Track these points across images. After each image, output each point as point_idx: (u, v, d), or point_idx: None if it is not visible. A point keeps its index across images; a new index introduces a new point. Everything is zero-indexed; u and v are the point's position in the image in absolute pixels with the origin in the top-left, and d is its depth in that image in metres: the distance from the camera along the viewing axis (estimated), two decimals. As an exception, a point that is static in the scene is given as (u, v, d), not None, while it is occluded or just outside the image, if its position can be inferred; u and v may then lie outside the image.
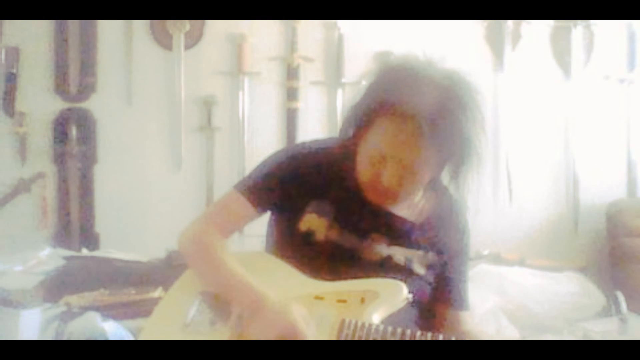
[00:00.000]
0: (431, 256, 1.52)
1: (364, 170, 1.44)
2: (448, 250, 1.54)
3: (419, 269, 1.50)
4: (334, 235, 1.47)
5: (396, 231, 1.50)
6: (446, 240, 1.54)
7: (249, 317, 1.39)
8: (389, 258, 1.48)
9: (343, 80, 3.25)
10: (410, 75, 1.39)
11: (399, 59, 1.44)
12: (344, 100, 3.23)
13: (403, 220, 1.51)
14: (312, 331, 1.34)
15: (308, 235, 1.48)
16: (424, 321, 1.50)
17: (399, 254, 1.49)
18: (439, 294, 1.54)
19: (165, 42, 3.23)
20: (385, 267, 1.47)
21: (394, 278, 1.42)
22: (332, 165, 1.50)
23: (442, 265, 1.54)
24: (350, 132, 1.48)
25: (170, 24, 3.20)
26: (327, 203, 1.49)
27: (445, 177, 1.49)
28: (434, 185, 1.53)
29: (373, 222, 1.49)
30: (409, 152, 1.38)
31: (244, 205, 1.53)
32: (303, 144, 1.65)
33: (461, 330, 1.53)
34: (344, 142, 1.49)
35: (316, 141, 1.62)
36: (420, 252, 1.51)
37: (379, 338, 1.32)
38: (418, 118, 1.33)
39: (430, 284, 1.52)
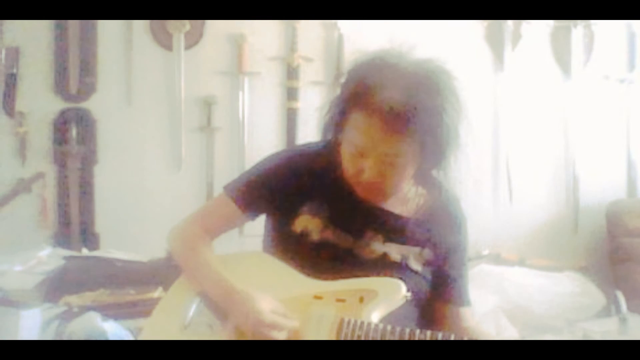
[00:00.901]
0: (427, 252, 1.51)
1: (347, 167, 1.45)
2: (444, 246, 1.54)
3: (416, 266, 1.49)
4: (329, 235, 1.48)
5: (391, 228, 1.50)
6: (441, 236, 1.54)
7: (223, 305, 1.42)
8: (385, 255, 1.48)
9: (343, 80, 3.24)
10: (380, 67, 1.40)
11: (370, 54, 1.44)
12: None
13: (397, 217, 1.51)
14: (282, 320, 1.36)
15: (303, 236, 1.48)
16: (424, 318, 1.51)
17: (395, 251, 1.49)
18: (437, 290, 1.54)
19: (165, 42, 3.23)
20: (381, 265, 1.47)
21: (391, 275, 1.42)
22: (322, 165, 1.51)
23: (439, 261, 1.53)
24: (330, 132, 1.49)
25: (170, 24, 3.20)
26: (320, 203, 1.49)
27: (432, 169, 1.48)
28: (428, 181, 1.53)
29: (367, 220, 1.49)
30: (384, 145, 1.37)
31: (232, 210, 1.55)
32: (293, 147, 1.67)
33: (461, 327, 1.52)
34: (330, 142, 1.49)
35: (307, 143, 1.63)
36: (416, 249, 1.50)
37: (378, 337, 1.32)
38: (387, 109, 1.33)
39: (428, 280, 1.52)
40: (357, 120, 1.39)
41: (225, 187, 1.59)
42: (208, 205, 1.68)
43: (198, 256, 1.53)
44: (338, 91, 1.49)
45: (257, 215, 1.59)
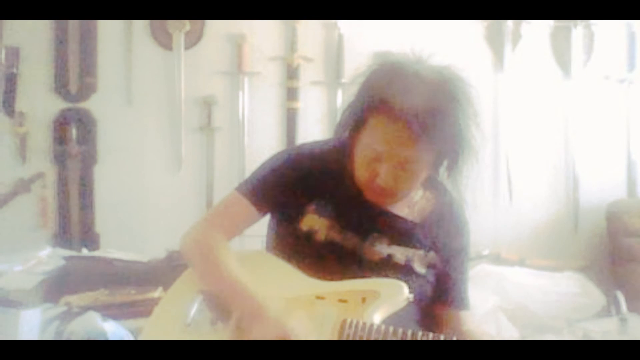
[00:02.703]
0: (431, 255, 1.52)
1: (360, 170, 1.45)
2: (448, 250, 1.55)
3: (420, 268, 1.50)
4: (334, 235, 1.48)
5: (396, 231, 1.50)
6: (446, 240, 1.54)
7: (248, 322, 1.38)
8: (390, 257, 1.48)
9: (343, 80, 3.25)
10: (400, 73, 1.39)
11: (389, 57, 1.44)
12: (344, 100, 3.23)
13: (403, 220, 1.52)
14: (312, 336, 1.34)
15: (309, 236, 1.48)
16: (425, 321, 1.51)
17: (400, 253, 1.49)
18: (439, 293, 1.54)
19: (165, 42, 3.23)
20: (385, 267, 1.47)
21: (394, 277, 1.43)
22: (332, 165, 1.51)
23: (442, 264, 1.54)
24: (345, 133, 1.48)
25: (170, 24, 3.20)
26: (327, 203, 1.49)
27: (442, 174, 1.49)
28: (434, 185, 1.54)
29: (373, 221, 1.50)
30: (403, 152, 1.38)
31: (246, 207, 1.54)
32: (303, 145, 1.66)
33: (461, 330, 1.53)
34: (342, 143, 1.49)
35: (316, 142, 1.62)
36: (421, 252, 1.51)
37: (380, 338, 1.32)
38: (408, 116, 1.34)
39: (430, 283, 1.52)
40: (375, 125, 1.39)
41: (238, 187, 1.57)
42: (220, 206, 1.63)
43: (219, 265, 1.47)
44: (354, 92, 1.47)
45: (267, 213, 1.58)
